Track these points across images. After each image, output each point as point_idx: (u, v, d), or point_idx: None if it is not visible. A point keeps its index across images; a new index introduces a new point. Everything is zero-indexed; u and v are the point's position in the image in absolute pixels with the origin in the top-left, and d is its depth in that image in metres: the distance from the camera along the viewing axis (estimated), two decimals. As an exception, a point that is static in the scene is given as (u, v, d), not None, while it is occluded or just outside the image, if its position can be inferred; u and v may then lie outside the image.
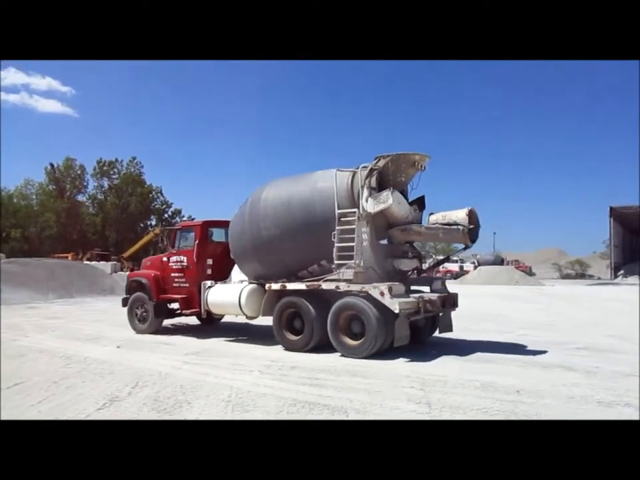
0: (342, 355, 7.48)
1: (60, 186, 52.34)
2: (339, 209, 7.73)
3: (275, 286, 8.33)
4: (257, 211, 8.63)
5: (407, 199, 8.18)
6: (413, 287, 8.27)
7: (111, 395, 5.47)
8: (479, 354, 7.73)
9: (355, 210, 7.63)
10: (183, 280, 10.28)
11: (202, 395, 5.41)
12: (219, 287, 9.64)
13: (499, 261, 41.69)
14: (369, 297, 7.23)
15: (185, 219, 50.25)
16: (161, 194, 56.22)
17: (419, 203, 8.37)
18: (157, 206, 55.95)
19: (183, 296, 10.19)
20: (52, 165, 52.11)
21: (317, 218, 7.92)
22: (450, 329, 8.42)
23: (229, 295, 9.21)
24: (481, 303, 17.90)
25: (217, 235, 10.53)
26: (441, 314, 8.18)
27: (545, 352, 7.95)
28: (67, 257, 37.25)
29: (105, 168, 53.74)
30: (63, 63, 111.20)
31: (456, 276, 42.47)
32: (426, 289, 8.53)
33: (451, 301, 8.30)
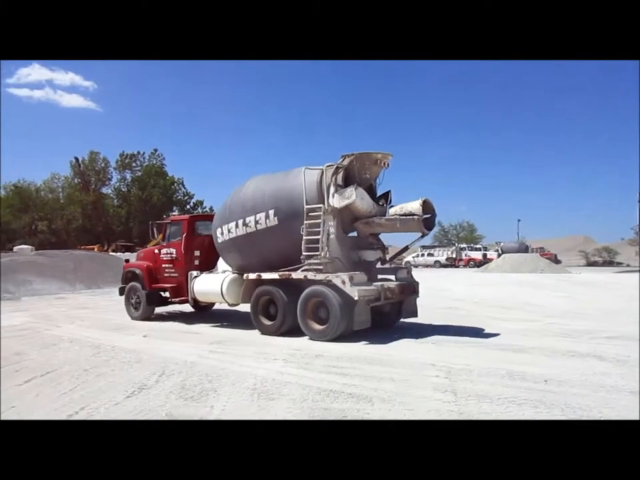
0: (366, 343, 7.49)
1: (85, 179, 53.37)
2: (307, 204, 8.33)
3: (252, 276, 9.01)
4: (236, 207, 9.38)
5: (375, 194, 8.84)
6: (382, 276, 9.03)
7: (139, 383, 5.57)
8: (504, 342, 7.63)
9: (321, 205, 8.20)
10: (173, 270, 11.03)
11: (227, 383, 5.47)
12: (204, 277, 10.33)
13: (524, 249, 41.01)
14: (332, 285, 7.84)
15: (206, 210, 50.69)
16: (183, 185, 56.99)
17: (386, 198, 8.93)
18: (179, 197, 56.65)
19: (172, 285, 10.97)
20: (76, 159, 53.17)
21: (289, 213, 8.55)
22: (415, 315, 9.09)
23: (212, 284, 9.93)
24: (506, 292, 17.66)
25: (206, 228, 10.93)
26: (405, 301, 8.84)
27: (573, 340, 7.81)
28: (93, 249, 38.12)
29: (127, 160, 54.50)
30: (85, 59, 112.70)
31: (479, 264, 41.96)
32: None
33: (410, 289, 8.87)
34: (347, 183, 8.33)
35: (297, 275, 8.44)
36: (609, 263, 53.34)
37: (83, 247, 38.94)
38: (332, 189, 8.13)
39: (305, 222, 8.32)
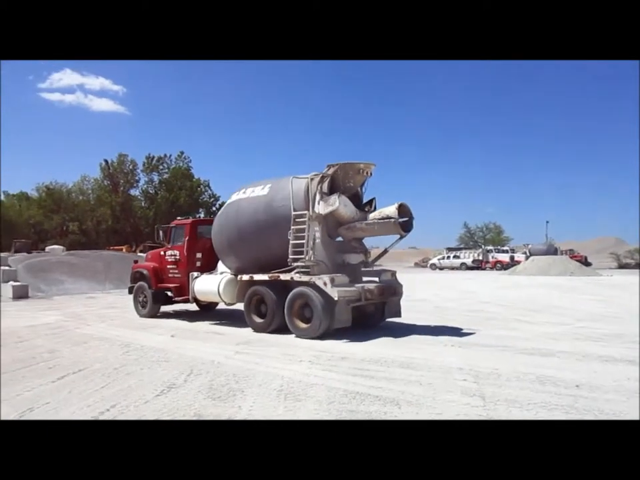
0: (389, 345, 7.44)
1: (114, 181, 54.45)
2: (294, 211, 8.92)
3: (245, 277, 9.68)
4: (232, 212, 10.12)
5: (361, 201, 9.43)
6: (367, 278, 9.57)
7: (168, 382, 5.66)
8: (533, 346, 7.49)
9: (306, 212, 8.77)
10: (176, 271, 11.75)
11: (254, 384, 5.52)
12: (204, 277, 11.01)
13: (552, 251, 39.98)
14: (315, 287, 8.37)
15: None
16: (209, 187, 57.46)
17: (370, 204, 9.42)
18: (205, 199, 57.21)
19: (176, 285, 11.68)
20: (106, 161, 54.25)
21: (278, 219, 9.14)
22: (398, 315, 9.57)
23: (211, 285, 10.60)
24: (534, 294, 17.34)
25: (208, 231, 11.31)
26: (388, 302, 9.31)
27: (605, 345, 7.61)
28: (121, 249, 38.85)
29: (154, 163, 55.42)
30: (114, 62, 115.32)
31: (506, 267, 41.23)
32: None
33: (391, 291, 9.28)
34: (332, 191, 8.81)
35: (285, 276, 8.99)
36: (642, 266, 51.66)
37: (112, 248, 39.77)
38: (317, 197, 8.72)
39: (292, 227, 8.89)
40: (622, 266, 51.78)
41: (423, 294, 17.97)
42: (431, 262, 51.71)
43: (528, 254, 41.23)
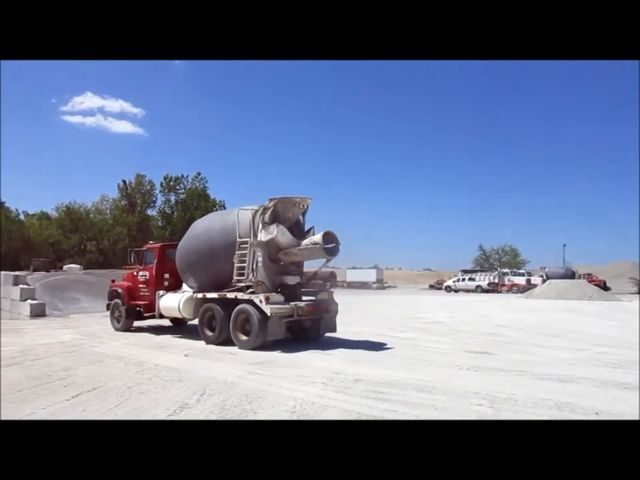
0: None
1: (131, 201, 55.32)
2: (240, 238, 10.25)
3: (199, 295, 11.04)
4: (193, 237, 11.47)
5: (302, 229, 10.75)
6: (308, 297, 10.63)
7: (181, 401, 5.66)
8: (550, 372, 7.34)
9: (248, 239, 10.04)
10: (146, 290, 12.96)
11: (267, 405, 5.48)
12: (168, 296, 12.19)
13: (570, 274, 39.35)
14: (254, 304, 9.61)
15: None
16: (224, 207, 57.98)
17: (309, 232, 10.64)
18: (220, 219, 57.66)
19: (145, 302, 12.87)
20: (124, 182, 55.25)
21: (228, 244, 10.39)
22: (334, 331, 10.78)
23: (172, 302, 11.83)
24: (552, 318, 17.05)
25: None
26: (323, 318, 10.46)
27: (625, 371, 7.43)
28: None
29: (171, 183, 56.26)
30: (134, 86, 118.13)
31: (522, 290, 40.65)
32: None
33: (322, 308, 10.42)
34: (273, 221, 10.04)
35: (231, 294, 10.21)
36: (663, 291, 50.51)
37: (128, 267, 40.17)
38: (260, 226, 9.99)
39: (237, 252, 10.21)
40: (642, 291, 50.63)
41: (437, 317, 17.78)
42: (445, 284, 51.23)
43: (545, 277, 40.64)
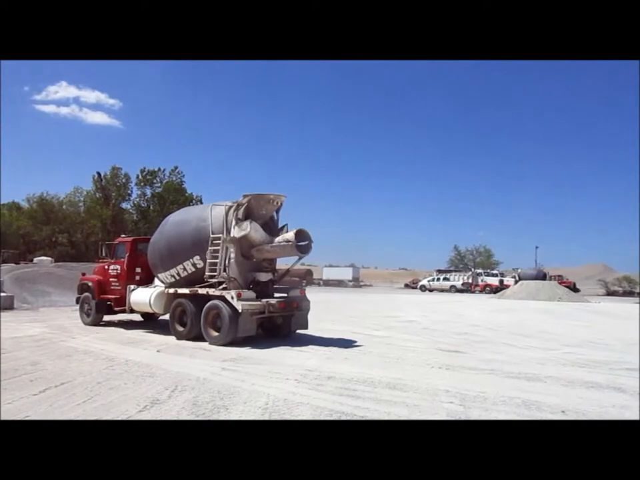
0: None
1: (106, 194, 54.24)
2: (213, 234, 10.06)
3: (171, 290, 10.89)
4: (163, 233, 11.30)
5: (276, 226, 10.68)
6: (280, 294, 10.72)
7: (152, 397, 5.58)
8: (519, 370, 7.49)
9: (220, 235, 9.89)
10: (117, 284, 12.76)
11: (239, 402, 5.45)
12: (139, 290, 11.97)
13: (541, 276, 40.31)
14: (225, 300, 9.54)
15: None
16: (201, 202, 57.40)
17: (282, 229, 10.63)
18: (197, 214, 57.07)
19: (116, 296, 12.62)
20: (99, 174, 54.13)
21: (201, 240, 10.27)
22: (305, 327, 10.86)
23: (143, 297, 11.62)
24: (522, 319, 17.40)
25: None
26: (295, 315, 10.55)
27: (591, 371, 7.64)
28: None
29: (147, 177, 55.38)
30: (110, 77, 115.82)
31: (495, 290, 41.39)
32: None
33: (293, 305, 10.43)
34: (247, 217, 9.99)
35: (202, 290, 10.16)
36: (629, 293, 52.11)
37: (100, 260, 39.41)
38: (233, 222, 9.88)
39: (209, 248, 10.07)
40: (610, 293, 52.17)
41: (411, 315, 17.97)
42: (420, 283, 51.82)
43: (517, 278, 41.50)
